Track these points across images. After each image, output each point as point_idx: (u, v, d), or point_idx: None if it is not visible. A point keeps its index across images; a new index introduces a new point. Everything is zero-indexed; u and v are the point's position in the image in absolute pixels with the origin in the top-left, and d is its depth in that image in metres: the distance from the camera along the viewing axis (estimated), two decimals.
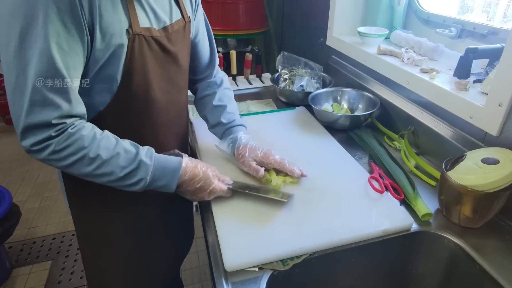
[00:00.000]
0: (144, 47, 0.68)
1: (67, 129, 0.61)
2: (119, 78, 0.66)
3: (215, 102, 0.93)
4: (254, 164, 0.84)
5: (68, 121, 0.61)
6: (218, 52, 1.82)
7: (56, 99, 0.58)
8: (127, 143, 0.67)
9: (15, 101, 0.58)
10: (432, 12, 1.17)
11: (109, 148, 0.64)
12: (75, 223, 0.86)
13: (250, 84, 1.55)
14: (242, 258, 0.62)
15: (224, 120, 0.92)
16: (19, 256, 1.85)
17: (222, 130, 0.92)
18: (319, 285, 0.73)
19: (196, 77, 0.97)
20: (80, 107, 0.63)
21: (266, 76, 1.64)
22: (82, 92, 0.64)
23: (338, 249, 0.67)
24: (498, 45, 0.86)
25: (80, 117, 0.64)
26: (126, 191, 0.69)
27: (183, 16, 0.78)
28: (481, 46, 0.86)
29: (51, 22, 0.54)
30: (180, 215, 1.01)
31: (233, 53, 1.52)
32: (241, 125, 0.93)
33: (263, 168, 0.83)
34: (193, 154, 1.01)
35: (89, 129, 0.64)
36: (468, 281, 0.67)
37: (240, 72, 1.57)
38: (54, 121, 0.59)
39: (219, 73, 1.00)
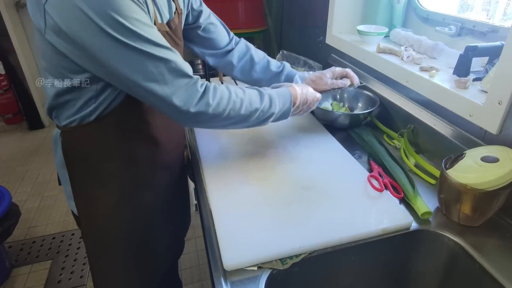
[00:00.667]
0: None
1: (207, 85, 0.71)
2: None
3: (257, 60, 1.02)
4: (337, 81, 1.01)
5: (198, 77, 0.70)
6: None
7: (179, 60, 0.66)
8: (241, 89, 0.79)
9: (152, 79, 0.63)
10: (432, 10, 1.16)
11: (241, 91, 0.76)
12: (80, 217, 0.86)
13: None
14: (241, 257, 0.62)
15: (276, 70, 1.02)
16: (18, 255, 1.85)
17: (280, 78, 1.02)
18: (318, 284, 0.73)
19: (227, 47, 1.03)
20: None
21: None
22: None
23: (337, 248, 0.67)
24: (498, 43, 0.85)
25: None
26: (134, 185, 0.80)
27: (176, 9, 0.81)
28: (481, 44, 0.86)
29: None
30: (179, 202, 1.03)
31: None
32: (289, 65, 1.04)
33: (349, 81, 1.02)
34: (192, 153, 1.00)
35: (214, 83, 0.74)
36: (468, 279, 0.67)
37: None
38: (193, 76, 0.68)
39: (236, 38, 1.07)
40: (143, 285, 0.94)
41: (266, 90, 0.81)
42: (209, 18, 0.98)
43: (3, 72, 2.90)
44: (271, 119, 0.81)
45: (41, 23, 0.59)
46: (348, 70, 1.02)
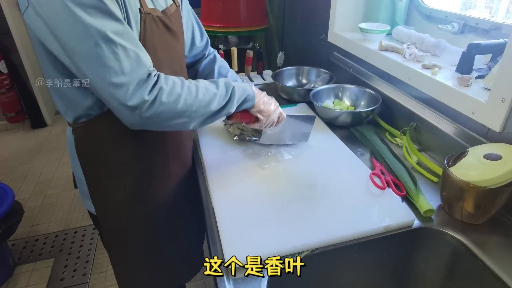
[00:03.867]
0: (153, 25, 0.72)
1: (159, 74, 0.66)
2: None
3: (216, 77, 1.00)
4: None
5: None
6: (219, 49, 1.82)
7: (138, 51, 0.62)
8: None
9: (107, 66, 0.59)
10: (434, 7, 1.16)
11: (191, 81, 0.72)
12: (98, 215, 0.87)
13: (251, 81, 1.55)
14: (243, 254, 0.62)
15: None
16: (22, 253, 1.86)
17: None
18: (320, 281, 0.73)
19: (195, 59, 1.03)
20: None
21: (267, 73, 1.63)
22: None
23: (339, 245, 0.67)
24: (501, 40, 0.85)
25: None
26: (148, 177, 0.81)
27: (174, 1, 0.82)
28: (484, 41, 0.85)
29: None
30: (196, 200, 1.03)
31: (234, 50, 1.51)
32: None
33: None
34: (195, 150, 1.01)
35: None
36: (470, 277, 0.67)
37: (241, 69, 1.57)
38: (149, 69, 0.64)
39: (210, 49, 1.06)
40: (164, 276, 0.96)
41: (223, 80, 0.78)
42: (190, 19, 0.97)
43: (5, 70, 2.91)
44: (234, 104, 0.76)
45: (25, 3, 0.59)
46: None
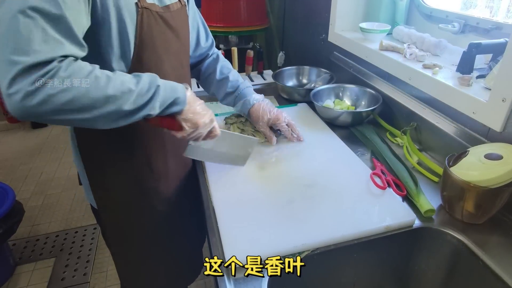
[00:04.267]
0: (152, 21, 0.70)
1: (63, 61, 0.54)
2: (131, 50, 0.68)
3: (218, 76, 1.00)
4: (268, 131, 0.97)
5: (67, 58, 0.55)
6: (220, 49, 1.82)
7: (63, 40, 0.53)
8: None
9: (12, 40, 0.50)
10: (435, 7, 1.16)
11: (109, 72, 0.60)
12: (100, 210, 0.88)
13: (252, 81, 1.55)
14: (244, 254, 0.62)
15: (230, 90, 1.00)
16: (22, 253, 1.86)
17: (231, 99, 1.01)
18: (321, 281, 0.73)
19: (199, 58, 1.03)
20: (80, 52, 0.58)
21: (268, 73, 1.63)
22: (105, 66, 0.65)
23: (340, 245, 0.67)
24: (501, 40, 0.85)
25: (75, 57, 0.57)
26: (148, 172, 0.78)
27: (179, 0, 0.81)
28: (485, 41, 0.85)
29: None
30: (198, 197, 1.03)
31: (234, 50, 1.51)
32: (247, 87, 1.01)
33: (275, 138, 0.97)
34: None
35: (142, 68, 0.65)
36: (471, 277, 0.67)
37: (241, 69, 1.57)
38: (58, 58, 0.53)
39: (214, 50, 1.06)
40: (166, 275, 0.96)
41: (149, 76, 0.65)
42: (195, 19, 0.97)
43: None
44: (155, 106, 0.64)
45: None
46: (293, 124, 1.00)
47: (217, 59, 1.04)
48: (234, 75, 1.02)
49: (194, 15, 0.95)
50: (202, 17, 0.99)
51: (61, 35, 0.53)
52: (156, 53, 0.73)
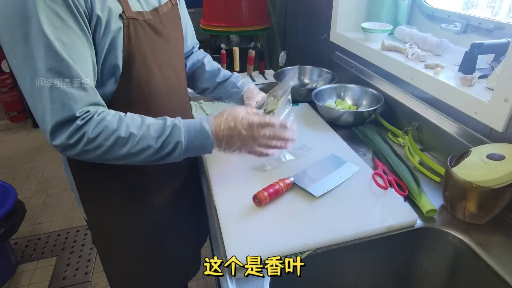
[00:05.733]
0: (139, 31, 0.68)
1: (92, 116, 0.62)
2: (120, 65, 0.67)
3: (208, 68, 1.00)
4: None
5: (92, 109, 0.62)
6: (221, 49, 1.82)
7: (74, 92, 0.59)
8: (151, 118, 0.68)
9: (36, 105, 0.59)
10: (437, 7, 1.16)
11: (138, 125, 0.65)
12: (89, 221, 0.87)
13: (253, 80, 1.55)
14: (246, 253, 0.62)
15: (222, 79, 0.99)
16: (24, 252, 1.87)
17: (223, 88, 0.99)
18: (322, 281, 0.73)
19: (186, 55, 1.02)
20: (98, 97, 0.64)
21: (269, 72, 1.63)
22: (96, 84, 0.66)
23: (342, 245, 0.67)
24: (504, 40, 0.85)
25: (101, 105, 0.65)
26: (136, 182, 0.75)
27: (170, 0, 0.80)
28: (487, 41, 0.85)
29: (44, 15, 0.54)
30: (193, 207, 1.02)
31: (236, 50, 1.51)
32: (236, 76, 1.00)
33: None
34: None
35: (112, 113, 0.65)
36: (473, 277, 0.67)
37: (243, 69, 1.57)
38: (78, 113, 0.60)
39: (198, 46, 1.06)
40: (158, 284, 0.95)
41: (173, 121, 0.68)
42: (184, 18, 0.96)
43: (7, 70, 2.91)
44: (180, 155, 0.68)
45: None
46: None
47: (201, 53, 1.04)
48: (223, 70, 1.02)
49: (184, 15, 0.94)
50: (189, 17, 1.00)
51: (70, 87, 0.59)
52: (145, 65, 0.71)
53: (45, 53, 0.55)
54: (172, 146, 0.66)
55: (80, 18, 0.58)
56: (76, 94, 0.59)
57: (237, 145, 0.72)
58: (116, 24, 0.64)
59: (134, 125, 0.64)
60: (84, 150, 0.62)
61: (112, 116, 0.64)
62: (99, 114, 0.62)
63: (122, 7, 0.65)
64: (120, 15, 0.64)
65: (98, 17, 0.61)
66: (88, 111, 0.61)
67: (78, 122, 0.60)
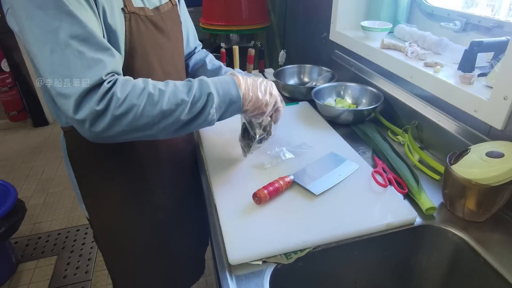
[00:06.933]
0: (141, 26, 0.69)
1: (117, 79, 0.59)
2: (122, 60, 0.67)
3: (210, 67, 0.99)
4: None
5: (116, 75, 0.61)
6: (221, 48, 1.82)
7: (101, 56, 0.57)
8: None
9: (57, 78, 0.55)
10: (436, 5, 1.16)
11: (163, 84, 0.63)
12: (90, 219, 0.87)
13: None
14: (245, 251, 0.63)
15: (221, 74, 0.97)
16: (24, 251, 1.87)
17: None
18: (322, 279, 0.73)
19: (188, 56, 1.03)
20: (121, 66, 0.63)
21: (269, 71, 1.63)
22: None
23: (341, 243, 0.67)
24: (503, 38, 0.85)
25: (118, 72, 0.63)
26: (138, 179, 0.75)
27: (170, 0, 0.80)
28: (486, 39, 0.85)
29: None
30: (197, 207, 1.03)
31: (235, 49, 1.51)
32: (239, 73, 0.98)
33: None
34: (197, 150, 1.01)
35: (133, 78, 0.63)
36: (472, 274, 0.67)
37: (243, 68, 1.57)
38: (104, 77, 0.57)
39: (200, 46, 1.07)
40: (163, 284, 0.95)
41: (199, 82, 0.66)
42: (185, 20, 0.97)
43: (7, 69, 2.91)
44: (212, 111, 0.65)
45: (6, 5, 0.60)
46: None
47: (203, 52, 1.04)
48: (224, 67, 1.02)
49: (185, 17, 0.94)
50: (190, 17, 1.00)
51: (97, 52, 0.57)
52: (147, 61, 0.71)
53: (69, 20, 0.54)
54: (205, 99, 0.63)
55: (91, 0, 0.59)
56: (104, 58, 0.57)
57: (258, 96, 0.72)
58: (119, 17, 0.64)
59: (160, 83, 0.62)
60: (115, 116, 0.57)
61: (136, 79, 0.62)
62: (123, 78, 0.61)
63: (123, 1, 0.66)
64: (122, 9, 0.65)
65: (103, 7, 0.61)
66: (113, 74, 0.59)
67: (105, 84, 0.57)
